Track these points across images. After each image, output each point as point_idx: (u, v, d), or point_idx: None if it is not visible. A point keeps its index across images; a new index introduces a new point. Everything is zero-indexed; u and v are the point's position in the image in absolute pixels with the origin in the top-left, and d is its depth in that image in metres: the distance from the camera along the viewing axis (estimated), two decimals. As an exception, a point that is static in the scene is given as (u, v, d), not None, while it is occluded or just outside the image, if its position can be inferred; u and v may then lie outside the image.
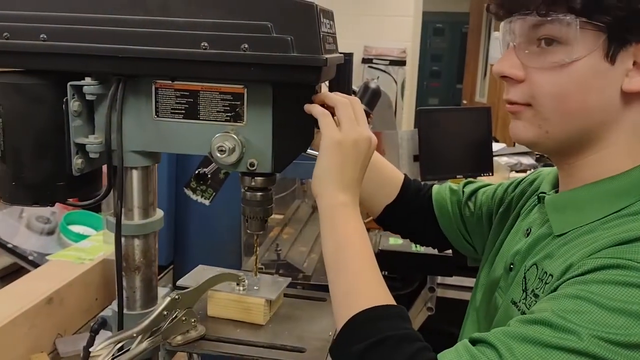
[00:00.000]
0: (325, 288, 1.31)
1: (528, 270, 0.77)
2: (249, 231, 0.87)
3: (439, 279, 2.68)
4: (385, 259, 1.81)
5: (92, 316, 1.65)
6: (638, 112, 0.70)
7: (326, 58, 0.73)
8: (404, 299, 2.82)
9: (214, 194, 1.83)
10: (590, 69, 0.69)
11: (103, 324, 0.87)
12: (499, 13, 0.75)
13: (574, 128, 0.72)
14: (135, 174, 0.86)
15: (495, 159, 3.05)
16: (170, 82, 0.80)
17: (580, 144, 0.73)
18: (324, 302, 0.95)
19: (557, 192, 0.82)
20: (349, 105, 0.80)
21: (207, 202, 1.85)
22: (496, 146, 3.37)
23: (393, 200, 1.06)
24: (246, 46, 0.73)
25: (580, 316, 0.60)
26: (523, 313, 0.74)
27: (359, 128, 0.79)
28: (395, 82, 4.93)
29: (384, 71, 4.86)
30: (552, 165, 0.85)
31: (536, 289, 0.73)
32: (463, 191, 1.07)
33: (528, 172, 3.19)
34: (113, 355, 0.72)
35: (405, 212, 1.06)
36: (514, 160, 3.33)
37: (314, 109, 0.79)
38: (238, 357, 0.79)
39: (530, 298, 0.73)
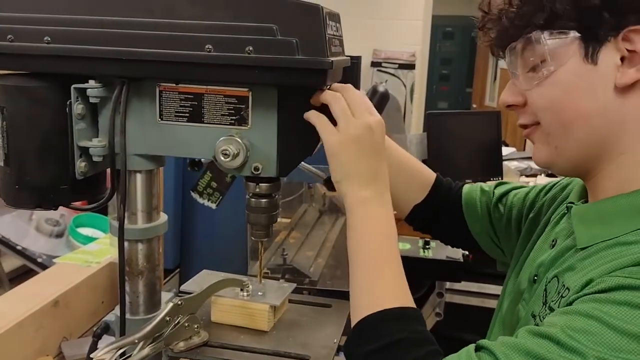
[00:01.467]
0: (331, 293, 1.30)
1: (549, 282, 0.75)
2: (253, 238, 0.86)
3: (448, 285, 2.65)
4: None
5: (99, 319, 1.65)
6: (636, 105, 0.68)
7: (332, 61, 0.72)
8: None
9: (221, 197, 1.82)
10: (573, 75, 0.69)
11: (106, 329, 0.86)
12: (494, 52, 0.78)
13: (580, 139, 0.71)
14: (139, 178, 0.85)
15: (505, 163, 3.03)
16: (174, 84, 0.79)
17: (593, 156, 0.72)
18: (329, 308, 0.94)
19: (585, 202, 0.80)
20: (340, 98, 0.77)
21: (213, 206, 1.84)
22: (506, 150, 3.35)
23: (422, 201, 1.04)
24: (251, 49, 0.73)
25: (589, 337, 0.58)
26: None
27: (356, 121, 0.76)
28: (405, 85, 4.91)
29: (393, 75, 4.84)
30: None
31: (552, 301, 0.71)
32: (494, 192, 1.05)
33: (538, 176, 3.17)
34: (115, 361, 0.71)
35: (434, 213, 1.05)
36: (523, 164, 3.30)
37: (310, 116, 0.78)
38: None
39: (546, 311, 0.72)
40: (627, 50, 0.66)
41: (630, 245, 0.67)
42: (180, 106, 0.80)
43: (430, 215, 1.05)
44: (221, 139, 0.79)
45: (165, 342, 0.77)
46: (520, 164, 3.28)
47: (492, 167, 2.91)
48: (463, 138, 2.85)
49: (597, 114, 0.69)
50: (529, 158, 3.49)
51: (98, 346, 0.83)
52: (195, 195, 1.88)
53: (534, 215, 0.96)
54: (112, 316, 0.87)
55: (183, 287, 0.92)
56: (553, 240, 0.82)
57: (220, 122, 0.80)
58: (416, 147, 2.82)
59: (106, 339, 0.84)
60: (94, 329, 0.83)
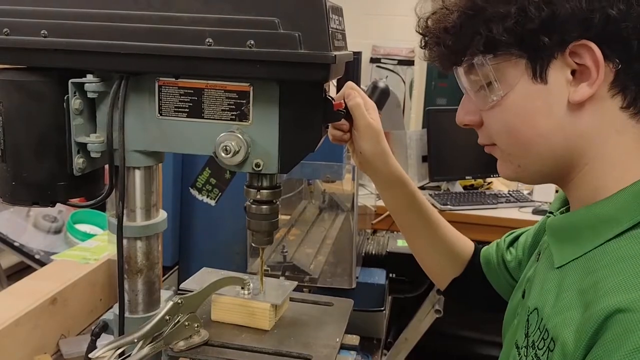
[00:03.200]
0: (332, 291, 1.29)
1: (530, 313, 0.73)
2: (254, 245, 0.84)
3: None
4: (394, 261, 1.78)
5: (97, 317, 1.64)
6: (598, 119, 0.66)
7: (335, 55, 0.71)
8: (413, 302, 2.80)
9: (220, 194, 1.81)
10: (525, 97, 0.67)
11: (104, 328, 0.85)
12: (427, 60, 0.78)
13: (540, 156, 0.69)
14: (137, 174, 0.83)
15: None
16: (174, 79, 0.78)
17: (560, 168, 0.70)
18: (330, 306, 0.92)
19: (566, 209, 0.78)
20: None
21: (212, 203, 1.83)
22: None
23: (461, 274, 1.04)
24: (252, 42, 0.71)
25: None
26: None
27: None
28: (404, 81, 4.90)
29: (392, 71, 4.83)
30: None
31: (537, 343, 0.68)
32: (505, 240, 1.05)
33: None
34: (113, 361, 0.69)
35: (469, 284, 1.05)
36: (523, 161, 3.29)
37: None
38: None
39: (530, 350, 0.69)
40: (577, 63, 0.64)
41: (600, 263, 0.64)
42: (180, 101, 0.78)
43: (467, 286, 1.05)
44: (222, 134, 0.77)
45: (165, 342, 0.76)
46: (520, 160, 3.27)
47: (492, 164, 2.88)
48: (463, 134, 2.80)
49: (555, 131, 0.67)
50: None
51: (97, 345, 0.81)
52: (194, 192, 1.87)
53: (537, 240, 0.96)
54: (111, 314, 0.85)
55: (183, 285, 0.91)
56: (538, 253, 0.82)
57: (220, 118, 0.78)
58: (416, 144, 2.81)
59: (105, 338, 0.83)
60: (92, 327, 0.82)
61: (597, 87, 0.64)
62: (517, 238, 1.03)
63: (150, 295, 0.86)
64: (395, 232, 2.23)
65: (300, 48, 0.71)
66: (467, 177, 2.86)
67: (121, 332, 0.77)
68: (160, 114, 0.79)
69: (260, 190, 0.81)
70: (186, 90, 0.78)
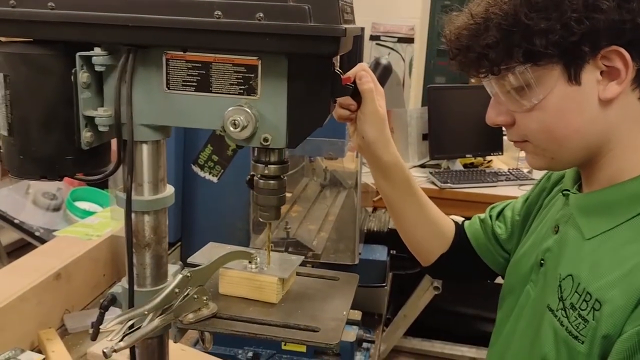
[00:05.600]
0: (334, 267, 1.30)
1: (563, 279, 0.79)
2: (261, 220, 0.85)
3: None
4: (395, 238, 1.79)
5: (100, 292, 1.65)
6: (621, 111, 0.74)
7: (345, 28, 0.70)
8: (412, 279, 2.82)
9: (222, 171, 1.81)
10: (562, 98, 0.74)
11: (113, 301, 0.85)
12: (461, 69, 0.82)
13: (574, 148, 0.77)
14: (145, 148, 0.83)
15: (505, 137, 3.02)
16: (181, 52, 0.77)
17: (589, 154, 0.78)
18: (336, 280, 0.93)
19: (579, 188, 0.85)
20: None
21: (215, 179, 1.83)
22: (505, 125, 3.33)
23: (448, 250, 1.08)
24: (261, 15, 0.70)
25: None
26: (561, 322, 0.77)
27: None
28: (403, 59, 4.87)
29: (392, 49, 4.80)
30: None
31: (577, 304, 0.75)
32: (490, 215, 1.10)
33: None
34: (124, 332, 0.70)
35: (457, 259, 1.10)
36: (523, 139, 3.29)
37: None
38: (250, 335, 0.77)
39: (570, 311, 0.76)
40: (605, 65, 0.72)
41: (634, 229, 0.74)
42: (188, 75, 0.78)
43: (454, 261, 1.09)
44: (230, 109, 0.77)
45: (174, 314, 0.77)
46: (519, 139, 3.27)
47: (492, 142, 2.90)
48: (463, 112, 2.83)
49: (587, 126, 0.75)
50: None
51: (105, 318, 0.82)
52: (196, 169, 1.87)
53: (526, 217, 1.02)
54: (119, 288, 0.86)
55: (190, 259, 0.91)
56: (555, 227, 0.86)
57: (228, 92, 0.78)
58: (416, 122, 2.81)
59: (112, 312, 0.83)
60: (101, 300, 0.82)
61: (625, 85, 0.72)
62: (501, 212, 1.08)
63: (158, 269, 0.87)
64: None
65: (310, 21, 0.70)
66: (467, 155, 2.87)
67: (131, 305, 0.78)
68: (168, 88, 0.79)
69: (268, 165, 0.81)
70: (194, 64, 0.77)
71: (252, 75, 0.77)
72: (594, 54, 0.72)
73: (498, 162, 3.03)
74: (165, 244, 0.89)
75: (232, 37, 0.73)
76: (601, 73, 0.73)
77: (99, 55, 0.76)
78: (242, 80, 0.77)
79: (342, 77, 0.80)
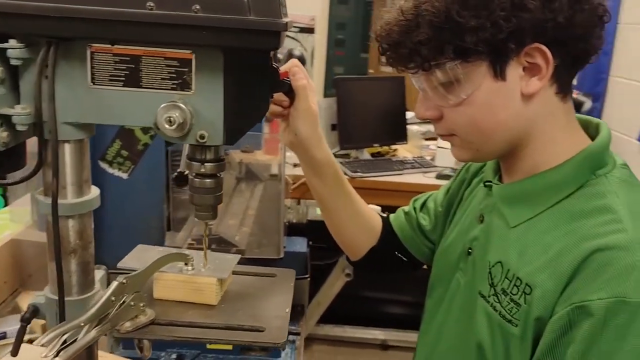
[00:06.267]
0: (259, 261, 1.28)
1: (493, 266, 0.82)
2: (197, 220, 0.82)
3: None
4: (314, 229, 1.80)
5: (2, 300, 1.52)
6: (541, 105, 0.78)
7: (287, 22, 0.69)
8: (325, 268, 2.86)
9: (133, 166, 1.73)
10: (489, 93, 0.77)
11: (35, 312, 0.79)
12: (391, 65, 0.83)
13: (499, 140, 0.81)
14: (67, 148, 0.77)
15: (407, 127, 3.13)
16: (108, 45, 0.72)
17: (511, 146, 0.82)
18: (274, 277, 0.92)
19: (500, 179, 0.89)
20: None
21: (125, 176, 1.74)
22: (407, 115, 3.45)
23: (377, 244, 1.10)
24: (197, 7, 0.68)
25: None
26: (494, 307, 0.80)
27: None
28: (305, 49, 4.89)
29: (294, 39, 4.79)
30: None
31: (508, 289, 0.79)
32: (414, 207, 1.13)
33: (438, 139, 3.29)
34: (59, 347, 0.65)
35: (386, 251, 1.12)
36: (423, 128, 3.43)
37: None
38: (194, 340, 0.74)
39: (501, 296, 0.79)
40: (528, 62, 0.75)
41: (554, 215, 0.79)
42: (115, 69, 0.73)
43: (383, 254, 1.12)
44: (163, 105, 0.73)
45: (111, 324, 0.72)
46: (420, 127, 3.40)
47: (398, 132, 3.00)
48: (369, 103, 2.90)
49: (511, 119, 0.79)
50: (429, 122, 3.64)
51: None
52: (104, 165, 1.77)
53: (449, 208, 1.06)
54: (42, 298, 0.80)
55: (120, 264, 0.86)
56: (480, 216, 0.90)
57: (160, 87, 0.74)
58: (325, 112, 2.83)
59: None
60: (22, 313, 0.76)
61: (545, 80, 0.76)
62: (424, 204, 1.13)
63: (85, 276, 0.82)
64: (311, 200, 2.26)
65: (249, 14, 0.68)
66: (374, 145, 2.94)
67: (62, 317, 0.72)
68: (94, 83, 0.73)
69: (205, 163, 0.79)
70: (122, 58, 0.73)
71: (186, 69, 0.73)
72: (518, 51, 0.75)
73: (403, 151, 3.13)
74: (92, 249, 0.83)
75: (166, 30, 0.69)
76: (524, 69, 0.76)
77: (14, 48, 0.69)
78: (175, 75, 0.74)
79: (279, 71, 0.78)
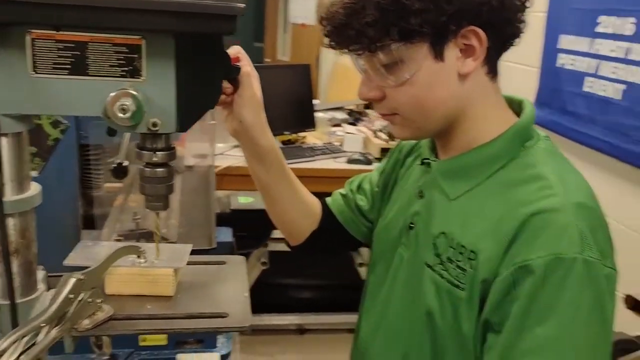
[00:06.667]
0: (191, 253, 1.26)
1: (437, 237, 0.87)
2: (148, 210, 0.80)
3: (273, 234, 2.75)
4: (238, 218, 1.80)
5: None
6: (474, 84, 0.84)
7: (243, 6, 0.69)
8: (249, 256, 2.85)
9: (44, 164, 1.62)
10: (429, 74, 0.81)
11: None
12: (334, 47, 0.85)
13: (438, 118, 0.85)
14: (5, 142, 0.73)
15: (316, 114, 3.18)
16: (51, 31, 0.68)
17: (448, 124, 0.87)
18: (224, 264, 0.92)
19: (436, 156, 0.94)
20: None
21: (35, 173, 1.63)
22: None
23: (319, 227, 1.12)
24: (149, -9, 0.66)
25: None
26: (441, 275, 0.85)
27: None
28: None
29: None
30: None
31: (454, 257, 0.84)
32: (351, 190, 1.16)
33: (344, 125, 3.37)
34: (20, 350, 0.61)
35: (327, 234, 1.13)
36: (328, 115, 3.50)
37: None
38: (158, 332, 0.73)
39: (448, 264, 0.84)
40: (464, 44, 0.80)
41: (490, 186, 0.84)
42: (60, 57, 0.70)
43: (325, 237, 1.14)
44: (112, 93, 0.71)
45: (70, 322, 0.69)
46: (325, 115, 3.47)
47: (305, 119, 3.04)
48: (277, 91, 2.91)
49: (450, 98, 0.83)
50: (333, 109, 3.72)
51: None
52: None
53: (385, 186, 1.10)
54: (-18, 305, 0.75)
55: (66, 262, 0.82)
56: (419, 192, 0.94)
57: (109, 75, 0.71)
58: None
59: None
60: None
61: (479, 61, 0.81)
62: (360, 185, 1.16)
63: (29, 277, 0.77)
64: (233, 191, 2.24)
65: (203, -2, 0.67)
66: (285, 132, 2.96)
67: (14, 321, 0.68)
68: (36, 72, 0.69)
69: (156, 152, 0.77)
70: (66, 44, 0.69)
71: (136, 56, 0.71)
72: (456, 33, 0.79)
73: (311, 138, 3.18)
74: (35, 249, 0.79)
75: (115, 15, 0.67)
76: (460, 50, 0.81)
77: (-55, 34, 0.64)
78: (124, 62, 0.71)
79: (230, 57, 0.78)
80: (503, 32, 0.83)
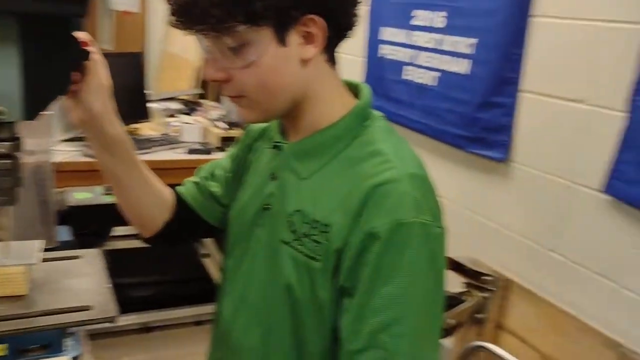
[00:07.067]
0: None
1: (292, 215, 0.91)
2: None
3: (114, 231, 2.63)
4: (76, 215, 1.70)
5: None
6: (315, 70, 0.90)
7: (95, -11, 0.67)
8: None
9: None
10: (274, 58, 0.85)
11: None
12: (179, 27, 0.85)
13: (284, 101, 0.89)
14: None
15: (149, 105, 3.08)
16: None
17: (293, 106, 0.91)
18: (78, 259, 0.88)
19: (285, 139, 0.98)
20: None
21: None
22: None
23: (174, 217, 1.10)
24: (-11, -31, 0.62)
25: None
26: (297, 250, 0.89)
27: None
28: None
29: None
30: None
31: (309, 232, 0.89)
32: (203, 177, 1.16)
33: (179, 116, 3.32)
34: None
35: (181, 223, 1.12)
36: (162, 106, 3.41)
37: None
38: (18, 332, 0.69)
39: (304, 239, 0.89)
40: (305, 31, 0.86)
41: (338, 163, 0.91)
42: None
43: (180, 227, 1.13)
44: (-53, 79, 0.65)
45: None
46: (159, 105, 3.38)
47: (139, 110, 2.93)
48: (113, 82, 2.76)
49: (294, 82, 0.88)
50: (167, 100, 3.62)
51: None
52: None
53: (237, 171, 1.12)
54: None
55: None
56: (272, 175, 0.98)
57: (-60, 59, 0.65)
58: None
59: None
60: None
61: (319, 48, 0.86)
62: (212, 172, 1.17)
63: None
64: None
65: (52, -21, 0.65)
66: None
67: None
68: None
69: (2, 142, 0.72)
70: None
71: (-28, 39, 0.66)
72: (298, 20, 0.84)
73: (145, 129, 3.07)
74: None
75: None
76: (302, 37, 0.86)
77: None
78: (-42, 45, 0.66)
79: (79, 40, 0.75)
80: (341, 23, 0.89)
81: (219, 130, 2.96)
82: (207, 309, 3.06)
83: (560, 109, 1.69)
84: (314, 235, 0.88)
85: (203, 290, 3.15)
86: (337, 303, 0.88)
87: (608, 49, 1.55)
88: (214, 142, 2.91)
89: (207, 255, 3.06)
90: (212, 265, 3.42)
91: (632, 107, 1.46)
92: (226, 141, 2.89)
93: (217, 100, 3.66)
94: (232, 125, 3.08)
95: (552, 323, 1.69)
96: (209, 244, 3.27)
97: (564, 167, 1.70)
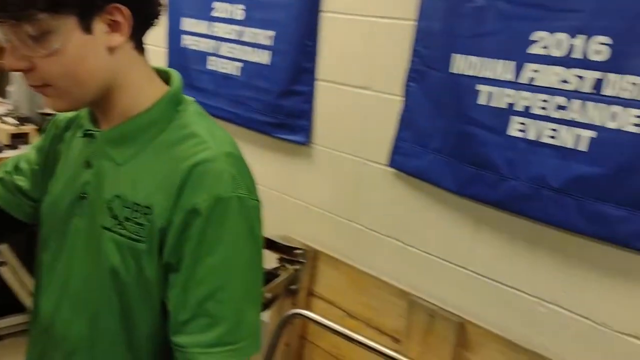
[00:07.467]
0: None
1: (111, 201, 0.93)
2: None
3: None
4: None
5: None
6: (123, 57, 0.92)
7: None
8: None
9: None
10: (79, 46, 0.86)
11: None
12: None
13: (92, 89, 0.90)
14: None
15: None
16: None
17: (104, 94, 0.92)
18: None
19: (98, 126, 0.98)
20: None
21: None
22: None
23: None
24: None
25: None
26: (120, 234, 0.91)
27: None
28: None
29: None
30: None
31: (130, 216, 0.91)
32: (7, 172, 1.11)
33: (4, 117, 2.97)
34: None
35: None
36: None
37: None
38: None
39: (126, 223, 0.91)
40: (111, 20, 0.87)
41: (155, 148, 0.94)
42: None
43: None
44: None
45: None
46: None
47: None
48: None
49: (100, 69, 0.89)
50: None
51: None
52: None
53: (46, 161, 1.10)
54: None
55: None
56: (86, 163, 0.98)
57: None
58: None
59: None
60: None
61: (125, 36, 0.89)
62: (16, 166, 1.13)
63: None
64: None
65: None
66: None
67: None
68: None
69: None
70: None
71: None
72: (102, 9, 0.85)
73: None
74: None
75: None
76: (108, 25, 0.87)
77: None
78: None
79: None
80: (145, 12, 0.92)
81: (8, 127, 2.72)
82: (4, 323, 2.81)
83: (351, 96, 1.90)
84: (136, 218, 0.91)
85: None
86: (163, 281, 0.92)
87: (386, 41, 1.78)
88: (4, 139, 2.67)
89: (3, 264, 2.79)
90: (9, 275, 3.12)
91: (406, 92, 1.71)
92: (17, 138, 2.67)
93: (2, 94, 3.33)
94: (22, 120, 2.84)
95: (354, 284, 1.91)
96: (5, 251, 2.98)
97: (357, 146, 1.91)
